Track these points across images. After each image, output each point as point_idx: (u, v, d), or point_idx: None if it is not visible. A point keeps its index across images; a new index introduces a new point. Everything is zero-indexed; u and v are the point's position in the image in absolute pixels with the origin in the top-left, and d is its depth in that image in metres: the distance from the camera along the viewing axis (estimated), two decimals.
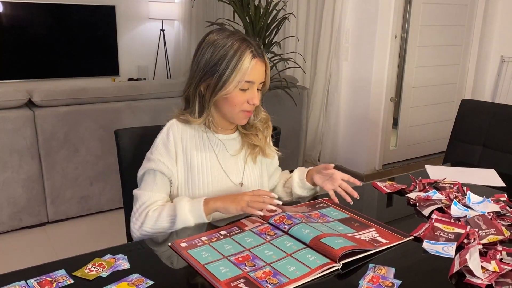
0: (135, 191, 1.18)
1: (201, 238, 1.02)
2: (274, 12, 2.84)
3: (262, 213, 1.08)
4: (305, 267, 0.91)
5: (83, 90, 2.67)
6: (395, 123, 3.80)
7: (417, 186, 1.32)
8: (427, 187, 1.31)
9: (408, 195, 1.27)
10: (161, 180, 1.17)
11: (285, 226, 1.05)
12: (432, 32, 3.69)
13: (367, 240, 1.01)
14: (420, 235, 1.04)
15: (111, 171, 2.77)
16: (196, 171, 1.18)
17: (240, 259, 0.94)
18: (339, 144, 3.71)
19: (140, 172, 1.18)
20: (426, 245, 0.99)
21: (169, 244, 0.99)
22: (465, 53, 3.97)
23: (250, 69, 1.12)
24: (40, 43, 4.86)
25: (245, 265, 0.91)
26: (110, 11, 5.20)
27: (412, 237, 1.02)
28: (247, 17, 2.83)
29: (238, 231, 1.06)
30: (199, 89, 1.16)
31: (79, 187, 2.70)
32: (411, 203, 1.23)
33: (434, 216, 1.10)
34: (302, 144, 3.57)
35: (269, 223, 1.09)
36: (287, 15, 2.94)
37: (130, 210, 1.35)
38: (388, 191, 1.32)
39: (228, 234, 1.04)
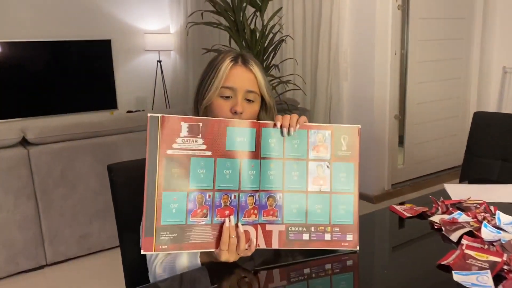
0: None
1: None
2: (271, 35, 2.79)
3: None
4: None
5: (77, 124, 2.59)
6: (401, 141, 3.71)
7: (439, 207, 1.21)
8: (450, 209, 1.20)
9: (431, 218, 1.16)
10: None
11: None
12: (432, 46, 3.64)
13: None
14: (449, 263, 0.92)
15: (110, 207, 2.62)
16: None
17: None
18: None
19: None
20: (457, 277, 0.88)
21: None
22: (466, 66, 3.91)
23: (228, 74, 1.08)
24: (36, 80, 4.82)
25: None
26: (105, 45, 5.18)
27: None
28: (243, 42, 2.78)
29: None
30: (195, 107, 1.15)
31: (78, 225, 2.59)
32: (436, 227, 1.12)
33: (464, 241, 0.99)
34: None
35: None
36: (284, 38, 2.89)
37: (127, 250, 1.25)
38: (408, 215, 1.20)
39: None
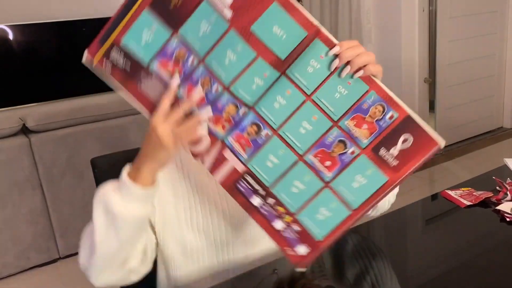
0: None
1: (278, 228, 0.69)
2: None
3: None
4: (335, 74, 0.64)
5: (82, 108, 2.41)
6: (431, 106, 3.41)
7: (508, 192, 0.97)
8: None
9: (499, 207, 0.92)
10: None
11: (243, 111, 0.68)
12: (463, 0, 3.28)
13: None
14: None
15: None
16: (205, 194, 0.85)
17: (328, 164, 0.66)
18: None
19: None
20: None
21: None
22: (501, 20, 3.54)
23: None
24: (42, 65, 4.62)
25: (344, 154, 0.66)
26: None
27: None
28: None
29: (249, 177, 0.69)
30: None
31: (89, 215, 2.42)
32: (508, 219, 0.88)
33: None
34: None
35: (226, 138, 0.69)
36: None
37: None
38: (468, 203, 0.97)
39: (262, 189, 0.69)
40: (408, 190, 2.84)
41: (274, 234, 0.69)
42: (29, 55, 4.54)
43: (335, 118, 0.65)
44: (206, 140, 0.69)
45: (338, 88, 0.64)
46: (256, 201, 0.69)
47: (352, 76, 0.63)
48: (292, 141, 0.66)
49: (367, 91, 0.63)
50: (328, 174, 0.66)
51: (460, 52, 3.39)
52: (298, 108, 0.65)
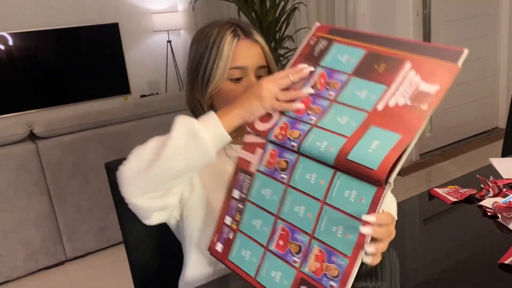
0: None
1: (225, 222, 0.81)
2: (282, 3, 2.59)
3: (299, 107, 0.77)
4: (354, 220, 0.65)
5: (86, 114, 2.48)
6: None
7: (490, 189, 1.04)
8: (504, 190, 1.03)
9: (482, 203, 0.99)
10: None
11: (293, 144, 0.72)
12: (457, 4, 3.36)
13: (409, 100, 0.66)
14: None
15: None
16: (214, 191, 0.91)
17: (281, 243, 0.72)
18: None
19: None
20: None
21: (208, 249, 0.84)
22: (495, 23, 3.62)
23: (234, 51, 0.91)
24: (43, 71, 4.71)
25: (291, 254, 0.71)
26: (113, 29, 5.03)
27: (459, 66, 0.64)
28: (253, 14, 2.58)
29: (247, 180, 0.79)
30: (194, 96, 0.96)
31: (94, 219, 2.51)
32: (489, 214, 0.95)
33: None
34: None
35: (270, 141, 0.77)
36: (296, 5, 2.68)
37: (132, 250, 1.12)
38: (454, 199, 1.04)
39: (244, 195, 0.79)
40: (406, 190, 2.91)
41: (220, 221, 0.82)
42: (35, 61, 4.64)
43: (316, 235, 0.68)
44: (266, 126, 0.78)
45: (339, 227, 0.66)
46: (235, 193, 0.81)
47: (356, 237, 0.64)
48: (287, 203, 0.73)
49: (345, 255, 0.65)
50: (271, 245, 0.74)
51: None
52: (312, 196, 0.70)
